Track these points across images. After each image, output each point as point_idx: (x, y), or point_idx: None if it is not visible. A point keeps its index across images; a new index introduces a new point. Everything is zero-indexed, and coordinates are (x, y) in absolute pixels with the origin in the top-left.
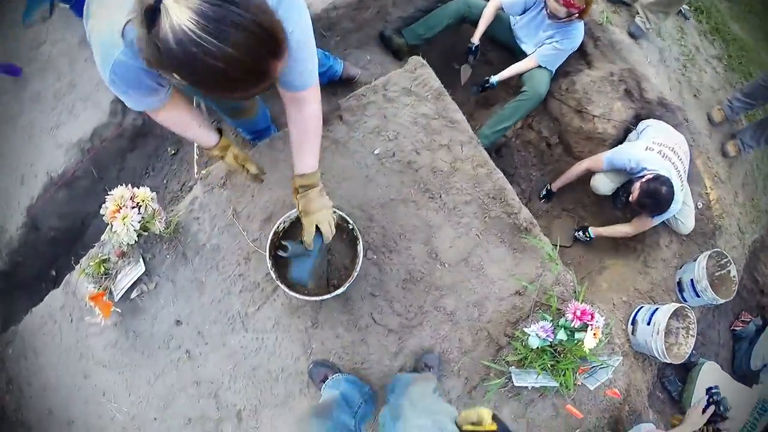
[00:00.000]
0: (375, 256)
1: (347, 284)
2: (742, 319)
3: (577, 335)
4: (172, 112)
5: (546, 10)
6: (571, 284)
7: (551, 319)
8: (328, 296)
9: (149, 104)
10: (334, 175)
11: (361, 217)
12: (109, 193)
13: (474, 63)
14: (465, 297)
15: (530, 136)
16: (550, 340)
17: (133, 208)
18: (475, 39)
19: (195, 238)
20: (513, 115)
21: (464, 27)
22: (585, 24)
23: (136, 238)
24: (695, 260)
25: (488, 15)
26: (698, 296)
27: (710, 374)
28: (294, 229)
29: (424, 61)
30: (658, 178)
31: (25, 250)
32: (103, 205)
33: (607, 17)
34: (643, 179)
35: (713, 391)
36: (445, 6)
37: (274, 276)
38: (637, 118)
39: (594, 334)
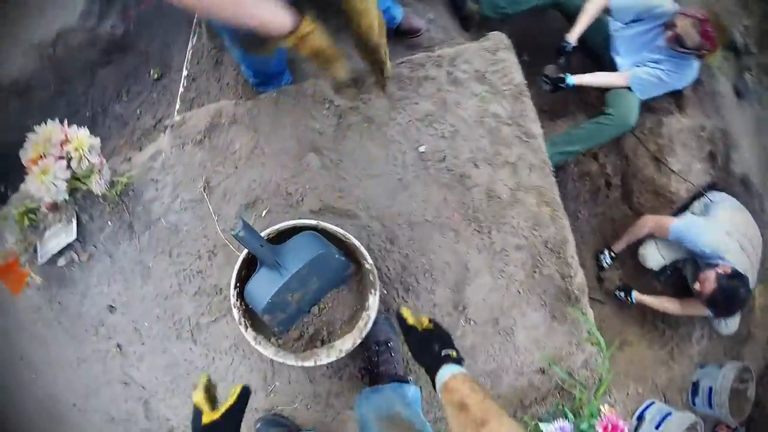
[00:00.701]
0: (385, 292)
1: (337, 354)
2: None
3: None
4: None
5: (667, 31)
6: (598, 370)
7: (572, 417)
8: (302, 363)
9: None
10: (356, 166)
11: (380, 234)
12: (35, 127)
13: (564, 66)
14: (481, 364)
15: (591, 167)
16: None
17: (60, 158)
18: (573, 38)
19: (148, 207)
20: (589, 139)
21: (551, 14)
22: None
23: (66, 197)
24: (720, 367)
25: (592, 13)
26: (711, 408)
27: None
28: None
29: (510, 44)
30: (740, 277)
31: None
32: (23, 146)
33: (719, 63)
34: (720, 271)
35: None
36: None
37: (236, 312)
38: (712, 186)
39: None
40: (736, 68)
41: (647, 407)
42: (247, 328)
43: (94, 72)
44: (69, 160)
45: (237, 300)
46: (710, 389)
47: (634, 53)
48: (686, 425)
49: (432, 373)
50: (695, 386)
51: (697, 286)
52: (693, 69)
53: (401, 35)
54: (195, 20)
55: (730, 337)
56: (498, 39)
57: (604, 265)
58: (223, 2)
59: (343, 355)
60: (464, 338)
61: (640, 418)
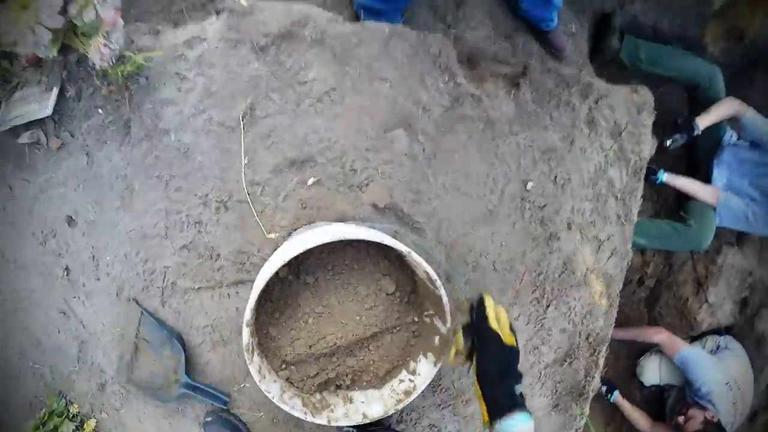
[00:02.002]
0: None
1: (360, 417)
2: None
3: None
4: None
5: None
6: None
7: None
8: (312, 418)
9: None
10: (450, 170)
11: (438, 263)
12: None
13: (678, 147)
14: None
15: (634, 258)
16: None
17: None
18: (703, 124)
19: (159, 110)
20: (659, 240)
21: (678, 89)
22: None
23: (55, 53)
24: None
25: (726, 112)
26: None
27: None
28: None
29: (653, 108)
30: (719, 428)
31: None
32: None
33: None
34: (708, 417)
35: None
36: (692, 57)
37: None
38: (728, 330)
39: None
40: None
41: None
42: (252, 354)
43: None
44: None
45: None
46: None
47: (735, 174)
48: None
49: (496, 412)
50: None
51: (680, 419)
52: None
53: (546, 44)
54: None
55: None
56: (646, 98)
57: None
58: None
59: (366, 421)
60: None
61: None
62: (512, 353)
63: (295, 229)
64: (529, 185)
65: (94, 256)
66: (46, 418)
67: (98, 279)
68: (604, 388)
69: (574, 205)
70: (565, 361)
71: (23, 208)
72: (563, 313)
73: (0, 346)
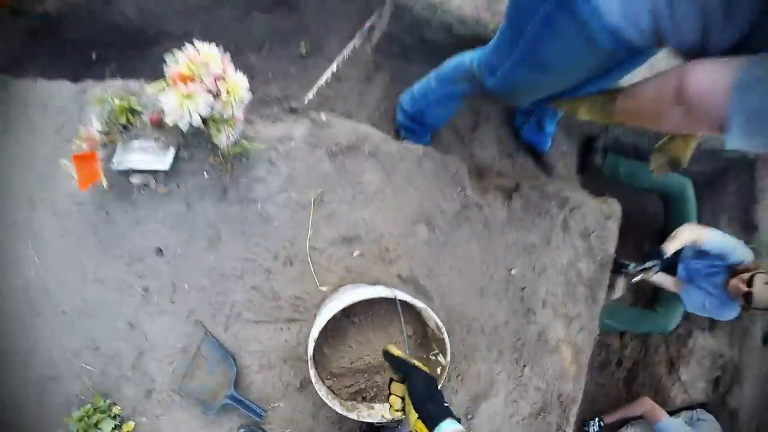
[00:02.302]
0: None
1: (378, 417)
2: None
3: None
4: None
5: (733, 279)
6: None
7: None
8: (346, 413)
9: None
10: (455, 256)
11: (442, 322)
12: (194, 42)
13: (647, 277)
14: None
15: (613, 342)
16: None
17: (209, 93)
18: (669, 250)
19: (251, 184)
20: (629, 324)
21: (655, 200)
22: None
23: (186, 129)
24: None
25: (688, 239)
26: None
27: None
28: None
29: (620, 216)
30: None
31: (83, 15)
32: (172, 56)
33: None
34: None
35: None
36: (669, 174)
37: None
38: (702, 406)
39: None
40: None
41: None
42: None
43: (250, 11)
44: (217, 96)
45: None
46: None
47: (693, 273)
48: None
49: (432, 422)
50: None
51: None
52: (734, 312)
53: (540, 163)
54: (368, 24)
55: None
56: (614, 208)
57: (590, 430)
58: None
59: (384, 421)
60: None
61: None
62: (430, 377)
63: (342, 286)
64: (513, 271)
65: (174, 283)
66: (90, 412)
67: (173, 302)
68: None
69: (548, 289)
70: (539, 415)
71: (116, 232)
72: (538, 374)
73: (53, 345)
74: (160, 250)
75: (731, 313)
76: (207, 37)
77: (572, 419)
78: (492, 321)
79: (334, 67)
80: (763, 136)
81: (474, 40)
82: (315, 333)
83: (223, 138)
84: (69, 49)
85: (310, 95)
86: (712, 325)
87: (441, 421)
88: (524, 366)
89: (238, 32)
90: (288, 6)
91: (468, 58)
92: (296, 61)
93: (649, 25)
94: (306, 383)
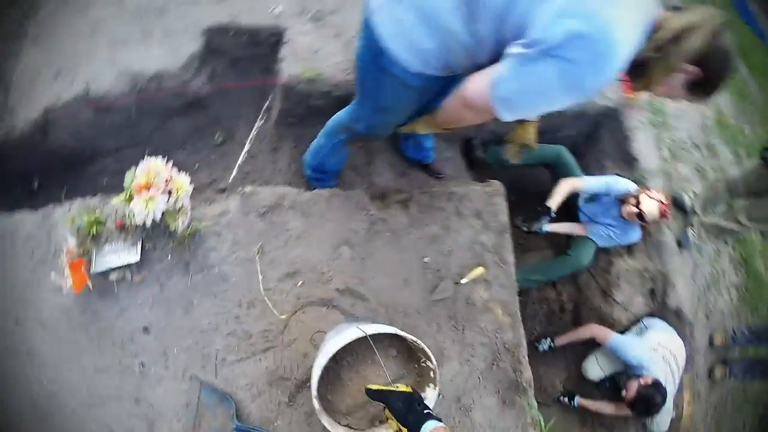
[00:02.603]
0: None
1: None
2: None
3: None
4: None
5: (625, 205)
6: None
7: None
8: None
9: None
10: (376, 263)
11: (382, 316)
12: (144, 158)
13: (543, 230)
14: None
15: (550, 294)
16: None
17: (164, 193)
18: (554, 205)
19: (206, 254)
20: (550, 273)
21: (541, 170)
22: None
23: (148, 225)
24: None
25: (565, 192)
26: None
27: None
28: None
29: (502, 191)
30: (657, 386)
31: (21, 147)
32: (131, 172)
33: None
34: (642, 382)
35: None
36: (540, 146)
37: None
38: (649, 316)
39: None
40: (680, 225)
41: None
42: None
43: (169, 118)
44: (170, 194)
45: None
46: None
47: (594, 214)
48: None
49: (415, 426)
50: None
51: (623, 392)
52: (637, 233)
53: (429, 172)
54: (266, 105)
55: None
56: (496, 187)
57: (540, 349)
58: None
59: None
60: (434, 408)
61: None
62: (404, 393)
63: (299, 310)
64: (426, 259)
65: (164, 352)
66: None
67: (167, 368)
68: (566, 399)
69: (460, 264)
70: (493, 364)
71: (105, 326)
72: (478, 332)
73: None
74: (146, 328)
75: (635, 234)
76: (136, 147)
77: (524, 360)
78: (423, 302)
79: (246, 147)
80: (519, 111)
81: (349, 96)
82: (314, 391)
83: (179, 224)
84: (11, 180)
85: (233, 174)
86: (628, 250)
87: (422, 425)
88: (463, 329)
89: (162, 137)
90: (199, 106)
91: (341, 115)
92: (215, 150)
93: (438, 64)
94: (292, 397)
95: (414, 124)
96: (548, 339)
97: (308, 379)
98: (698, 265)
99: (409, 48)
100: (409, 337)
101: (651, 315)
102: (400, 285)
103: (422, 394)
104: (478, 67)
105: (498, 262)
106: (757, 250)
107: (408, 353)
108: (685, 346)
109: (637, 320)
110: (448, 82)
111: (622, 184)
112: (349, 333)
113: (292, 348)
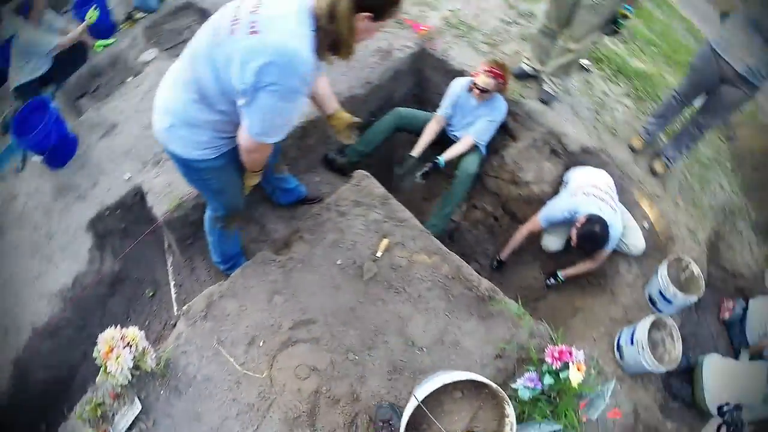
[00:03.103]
0: (356, 357)
1: None
2: (727, 306)
3: (562, 375)
4: None
5: (473, 92)
6: (546, 333)
7: (535, 368)
8: None
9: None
10: (305, 290)
11: (335, 323)
12: (98, 337)
13: (441, 164)
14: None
15: (477, 215)
16: (539, 387)
17: (125, 347)
18: (417, 153)
19: (185, 371)
20: (452, 200)
21: (398, 135)
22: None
23: (130, 378)
24: (657, 273)
25: (431, 132)
26: (671, 303)
27: (713, 365)
28: None
29: (367, 173)
30: (590, 220)
31: (14, 404)
32: (96, 348)
33: (519, 94)
34: (578, 225)
35: (724, 409)
36: (379, 122)
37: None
38: (568, 170)
39: (578, 368)
40: (536, 87)
41: (619, 337)
42: None
43: (105, 303)
44: (130, 346)
45: None
46: (660, 292)
47: (465, 123)
48: (649, 323)
49: None
50: (651, 299)
51: (573, 245)
52: (501, 102)
53: (308, 203)
54: (166, 246)
55: (657, 250)
56: (359, 175)
57: (494, 266)
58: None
59: None
60: (424, 362)
61: (619, 348)
62: None
63: (273, 362)
64: (338, 262)
65: None
66: None
67: None
68: (552, 280)
69: (367, 244)
70: (449, 296)
71: None
72: (418, 282)
73: None
74: None
75: (500, 104)
76: (91, 344)
77: (472, 276)
78: (359, 292)
79: (172, 284)
80: (276, 133)
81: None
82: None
83: (149, 362)
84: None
85: (175, 309)
86: (508, 134)
87: None
88: (404, 289)
89: (109, 320)
90: (120, 280)
91: (207, 213)
92: (151, 302)
93: (220, 142)
94: (312, 426)
95: (245, 183)
96: (496, 258)
97: (315, 407)
98: (575, 104)
99: (195, 146)
100: (488, 381)
101: (568, 168)
102: (333, 293)
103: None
104: None
105: (397, 225)
106: (624, 55)
107: (473, 386)
108: (610, 170)
109: (558, 181)
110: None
111: (457, 84)
112: (408, 406)
113: (286, 391)
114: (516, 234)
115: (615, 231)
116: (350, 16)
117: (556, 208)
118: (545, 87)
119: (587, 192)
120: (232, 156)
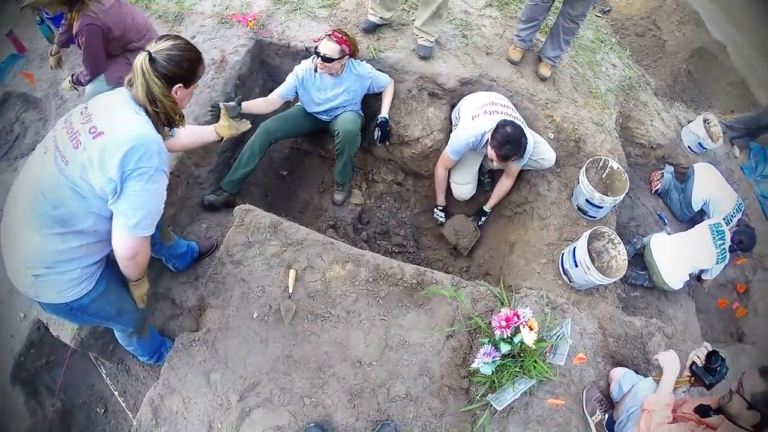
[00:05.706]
0: (312, 399)
1: None
2: (655, 179)
3: (516, 339)
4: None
5: (320, 66)
6: (488, 293)
7: (488, 340)
8: None
9: None
10: (235, 357)
11: (278, 377)
12: None
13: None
14: (408, 374)
15: (380, 188)
16: (498, 358)
17: None
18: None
19: None
20: (346, 164)
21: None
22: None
23: None
24: (578, 182)
25: (257, 105)
26: (601, 207)
27: (659, 245)
28: None
29: (248, 206)
30: (500, 125)
31: None
32: None
33: (375, 49)
34: (490, 140)
35: (694, 369)
36: (249, 145)
37: None
38: (454, 108)
39: (530, 328)
40: (389, 36)
41: (562, 261)
42: None
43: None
44: None
45: None
46: (587, 200)
47: (326, 99)
48: (586, 240)
49: None
50: (580, 209)
51: (494, 161)
52: (362, 65)
53: (206, 256)
54: (95, 360)
55: (570, 155)
56: (240, 211)
57: (441, 219)
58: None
59: None
60: (379, 374)
61: (565, 272)
62: None
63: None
64: (255, 315)
65: None
66: None
67: None
68: (482, 218)
69: (276, 284)
70: (377, 299)
71: None
72: (342, 299)
73: None
74: None
75: (363, 68)
76: None
77: (393, 269)
78: (287, 336)
79: (116, 392)
80: (153, 219)
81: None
82: None
83: None
84: None
85: (132, 417)
86: (379, 96)
87: None
88: (330, 313)
89: None
90: (73, 411)
91: (118, 334)
92: (105, 417)
93: (95, 259)
94: None
95: (135, 296)
96: (436, 209)
97: None
98: (440, 39)
99: (70, 286)
100: None
101: (454, 106)
102: (262, 348)
103: None
104: None
105: (298, 248)
106: None
107: None
108: (498, 91)
109: (451, 121)
110: None
111: (299, 69)
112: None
113: None
114: (437, 180)
115: (527, 137)
116: (167, 93)
117: (461, 137)
118: (420, 41)
119: (488, 110)
120: (110, 275)
